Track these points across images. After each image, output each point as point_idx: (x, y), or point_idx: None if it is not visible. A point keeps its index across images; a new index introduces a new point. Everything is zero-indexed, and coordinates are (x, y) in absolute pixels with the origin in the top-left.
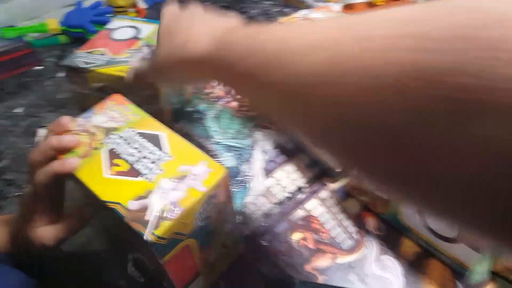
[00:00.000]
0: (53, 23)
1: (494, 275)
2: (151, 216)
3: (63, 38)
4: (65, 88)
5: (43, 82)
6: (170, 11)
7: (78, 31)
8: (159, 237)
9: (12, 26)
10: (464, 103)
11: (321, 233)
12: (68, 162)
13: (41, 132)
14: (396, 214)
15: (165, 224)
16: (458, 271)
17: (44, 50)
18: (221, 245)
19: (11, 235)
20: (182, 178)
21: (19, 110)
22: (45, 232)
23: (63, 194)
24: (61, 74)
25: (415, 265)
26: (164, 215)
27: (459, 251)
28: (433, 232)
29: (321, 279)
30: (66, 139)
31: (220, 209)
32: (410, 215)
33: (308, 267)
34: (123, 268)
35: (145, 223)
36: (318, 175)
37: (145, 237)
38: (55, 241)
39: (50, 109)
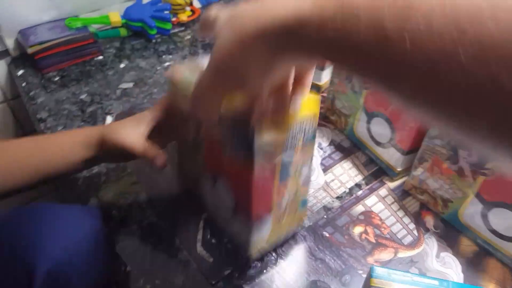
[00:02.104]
0: (116, 16)
1: None
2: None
3: (123, 31)
4: (127, 79)
5: (105, 71)
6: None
7: (138, 25)
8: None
9: (76, 17)
10: None
11: (382, 229)
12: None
13: (110, 119)
14: (456, 213)
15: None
16: None
17: (105, 41)
18: (290, 208)
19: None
20: None
21: (83, 96)
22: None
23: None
24: (123, 65)
25: (474, 263)
26: None
27: None
28: (494, 231)
29: None
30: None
31: (301, 161)
32: (470, 214)
33: (370, 260)
34: (192, 247)
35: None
36: (376, 173)
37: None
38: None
39: (113, 97)
